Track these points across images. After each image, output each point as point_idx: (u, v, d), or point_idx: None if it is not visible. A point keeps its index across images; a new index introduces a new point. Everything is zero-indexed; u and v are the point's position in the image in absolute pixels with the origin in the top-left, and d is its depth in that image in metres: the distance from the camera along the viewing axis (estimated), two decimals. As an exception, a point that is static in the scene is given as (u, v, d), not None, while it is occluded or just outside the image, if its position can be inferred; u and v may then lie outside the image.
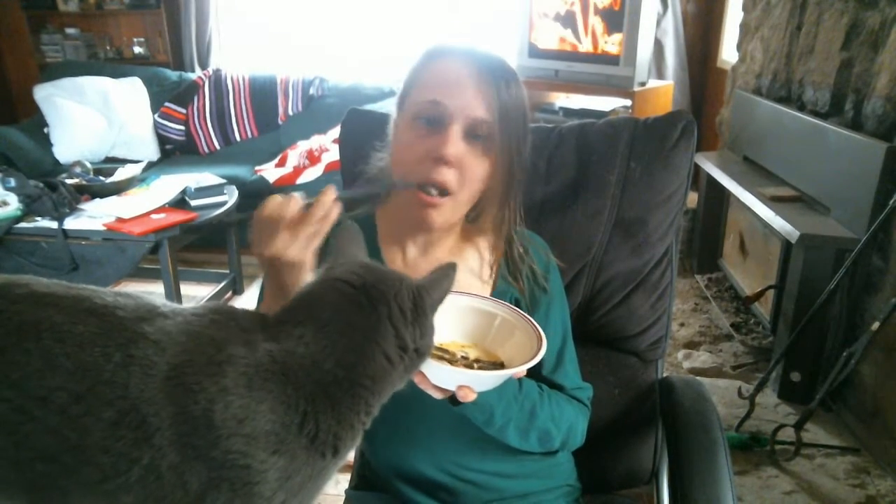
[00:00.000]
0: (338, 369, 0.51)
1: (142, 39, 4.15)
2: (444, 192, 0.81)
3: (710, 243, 2.99)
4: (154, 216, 2.45)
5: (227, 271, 2.99)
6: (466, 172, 0.82)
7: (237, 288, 2.99)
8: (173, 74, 3.88)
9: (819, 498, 1.68)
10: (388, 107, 0.92)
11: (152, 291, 2.60)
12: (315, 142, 3.38)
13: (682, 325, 2.61)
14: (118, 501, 0.46)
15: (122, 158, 3.54)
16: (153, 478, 0.46)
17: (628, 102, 3.05)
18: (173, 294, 2.51)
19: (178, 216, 2.46)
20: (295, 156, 3.34)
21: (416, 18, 3.89)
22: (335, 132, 2.88)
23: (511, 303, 0.89)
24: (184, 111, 3.73)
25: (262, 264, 0.71)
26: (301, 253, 0.68)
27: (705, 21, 3.59)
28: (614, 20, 2.94)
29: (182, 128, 3.73)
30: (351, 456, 1.09)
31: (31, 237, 2.42)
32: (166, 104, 3.74)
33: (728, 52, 3.31)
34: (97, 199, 2.57)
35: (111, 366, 0.46)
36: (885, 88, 1.82)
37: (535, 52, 3.30)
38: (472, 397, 0.71)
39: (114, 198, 2.60)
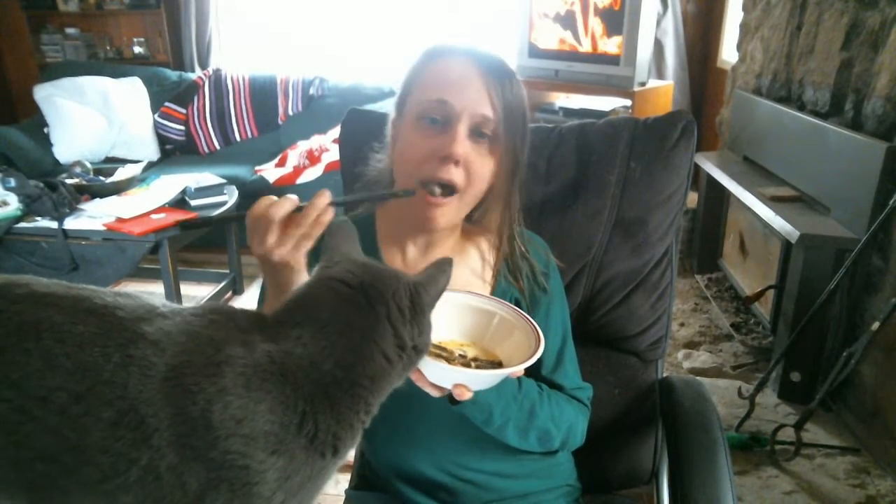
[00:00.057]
0: (336, 369, 0.51)
1: (142, 39, 4.15)
2: (448, 191, 0.81)
3: (710, 243, 2.99)
4: (154, 216, 2.45)
5: (227, 271, 2.99)
6: (472, 171, 0.82)
7: (237, 288, 2.99)
8: (173, 74, 3.88)
9: (819, 498, 1.68)
10: (388, 107, 0.92)
11: (152, 291, 2.59)
12: (315, 142, 3.38)
13: (682, 325, 2.61)
14: (117, 501, 0.46)
15: (122, 158, 3.54)
16: (152, 478, 0.46)
17: (628, 102, 3.05)
18: (173, 294, 2.51)
19: (178, 216, 2.46)
20: (295, 156, 3.34)
21: (416, 18, 3.89)
22: (335, 132, 2.88)
23: (511, 303, 0.89)
24: (184, 111, 3.73)
25: (259, 263, 0.71)
26: (290, 254, 0.68)
27: (705, 21, 3.59)
28: (614, 20, 2.94)
29: (182, 128, 3.73)
30: (351, 456, 1.09)
31: (31, 237, 2.42)
32: (166, 104, 3.74)
33: (728, 52, 3.31)
34: (97, 199, 2.57)
35: (110, 366, 0.46)
36: (885, 88, 1.82)
37: (535, 52, 3.30)
38: (468, 396, 0.71)
39: (114, 198, 2.60)
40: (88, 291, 0.51)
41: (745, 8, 2.93)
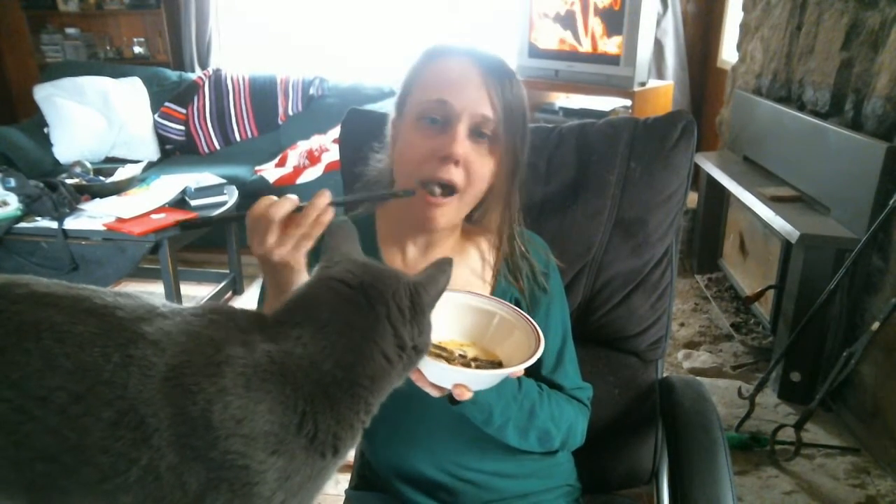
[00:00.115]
0: (336, 370, 0.51)
1: (142, 39, 4.15)
2: (448, 191, 0.81)
3: (710, 243, 2.98)
4: (154, 216, 2.45)
5: (227, 271, 2.99)
6: (472, 171, 0.82)
7: (237, 288, 2.99)
8: (173, 74, 3.88)
9: (819, 498, 1.68)
10: (388, 107, 0.92)
11: (152, 291, 2.60)
12: (315, 142, 3.38)
13: (682, 325, 2.61)
14: (117, 501, 0.46)
15: (122, 158, 3.54)
16: (152, 478, 0.46)
17: (628, 102, 3.05)
18: (173, 294, 2.51)
19: (178, 216, 2.46)
20: (295, 156, 3.34)
21: (416, 18, 3.89)
22: (335, 132, 2.88)
23: (511, 303, 0.89)
24: (184, 111, 3.73)
25: (259, 263, 0.71)
26: (290, 254, 0.68)
27: (705, 21, 3.59)
28: (614, 20, 2.94)
29: (182, 128, 3.73)
30: (351, 456, 1.09)
31: (31, 237, 2.42)
32: (166, 104, 3.74)
33: (728, 52, 3.31)
34: (97, 199, 2.57)
35: (110, 366, 0.46)
36: (885, 88, 1.82)
37: (535, 52, 3.30)
38: (467, 396, 0.71)
39: (114, 198, 2.60)
40: (88, 291, 0.51)
41: (745, 8, 2.93)
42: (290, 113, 3.71)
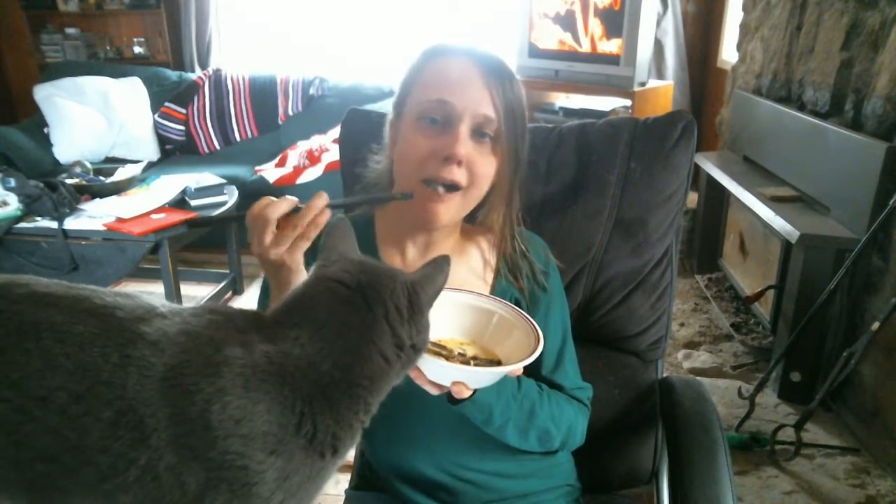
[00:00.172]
0: (335, 370, 0.51)
1: (142, 39, 4.15)
2: (452, 188, 0.81)
3: (710, 243, 2.99)
4: (154, 216, 2.45)
5: (227, 271, 2.99)
6: (475, 171, 0.82)
7: (237, 288, 2.99)
8: (173, 74, 3.88)
9: (819, 498, 1.68)
10: (389, 107, 0.92)
11: (152, 291, 2.60)
12: (315, 142, 3.38)
13: (682, 325, 2.61)
14: (117, 501, 0.46)
15: (122, 158, 3.54)
16: (150, 478, 0.46)
17: (628, 102, 3.05)
18: (173, 294, 2.51)
19: (178, 216, 2.46)
20: (295, 156, 3.34)
21: (416, 18, 3.90)
22: (335, 132, 2.89)
23: (511, 302, 0.89)
24: (184, 111, 3.73)
25: (259, 262, 0.71)
26: (286, 254, 0.68)
27: (705, 21, 3.59)
28: (614, 20, 2.94)
29: (182, 128, 3.73)
30: (351, 456, 1.09)
31: (31, 237, 2.42)
32: (166, 104, 3.74)
33: (728, 52, 3.31)
34: (97, 199, 2.57)
35: (109, 366, 0.46)
36: (885, 88, 1.82)
37: (535, 52, 3.30)
38: (466, 394, 0.71)
39: (114, 198, 2.60)
40: (88, 291, 0.51)
41: (745, 8, 2.93)
42: (290, 113, 3.71)
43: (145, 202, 2.54)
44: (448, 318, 0.78)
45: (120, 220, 2.40)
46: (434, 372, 0.69)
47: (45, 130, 3.56)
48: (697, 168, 2.81)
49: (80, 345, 0.47)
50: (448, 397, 0.74)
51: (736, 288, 2.73)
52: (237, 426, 0.46)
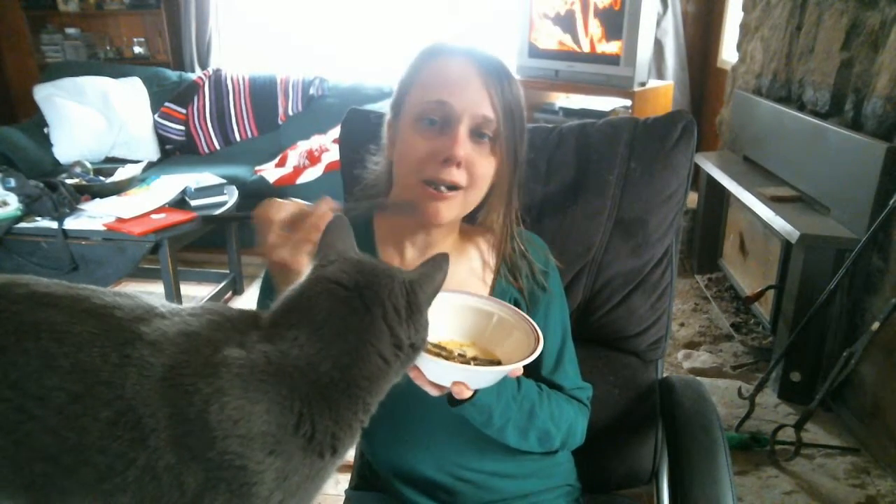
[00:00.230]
0: (333, 371, 0.51)
1: (142, 39, 4.15)
2: (452, 187, 0.81)
3: (710, 243, 2.98)
4: (154, 216, 2.45)
5: (227, 271, 2.99)
6: (474, 172, 0.82)
7: (237, 288, 2.99)
8: (173, 74, 3.88)
9: (819, 498, 1.68)
10: (388, 107, 0.92)
11: (152, 291, 2.60)
12: (315, 142, 3.38)
13: (682, 325, 2.61)
14: (116, 501, 0.46)
15: (122, 158, 3.54)
16: (149, 478, 0.46)
17: (628, 102, 3.05)
18: (173, 294, 2.51)
19: (178, 216, 2.46)
20: (295, 156, 3.34)
21: (416, 18, 3.89)
22: (335, 132, 2.88)
23: (510, 302, 0.89)
24: (184, 111, 3.73)
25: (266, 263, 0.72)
26: (289, 256, 0.69)
27: (705, 21, 3.59)
28: (614, 20, 2.94)
29: (182, 128, 3.73)
30: (351, 456, 1.09)
31: (31, 237, 2.42)
32: (166, 104, 3.74)
33: (728, 52, 3.31)
34: (97, 199, 2.57)
35: (108, 366, 0.46)
36: (885, 88, 1.82)
37: (535, 52, 3.30)
38: (467, 394, 0.71)
39: (114, 198, 2.60)
40: (88, 291, 0.52)
41: (745, 8, 2.93)
42: (290, 113, 3.71)
43: (145, 202, 2.54)
44: (448, 319, 0.78)
45: (120, 220, 2.40)
46: (434, 372, 0.69)
47: (45, 130, 3.56)
48: (697, 168, 2.81)
49: (79, 345, 0.47)
50: (448, 399, 0.74)
51: (736, 288, 2.73)
52: (235, 426, 0.46)
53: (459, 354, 0.75)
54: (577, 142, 1.13)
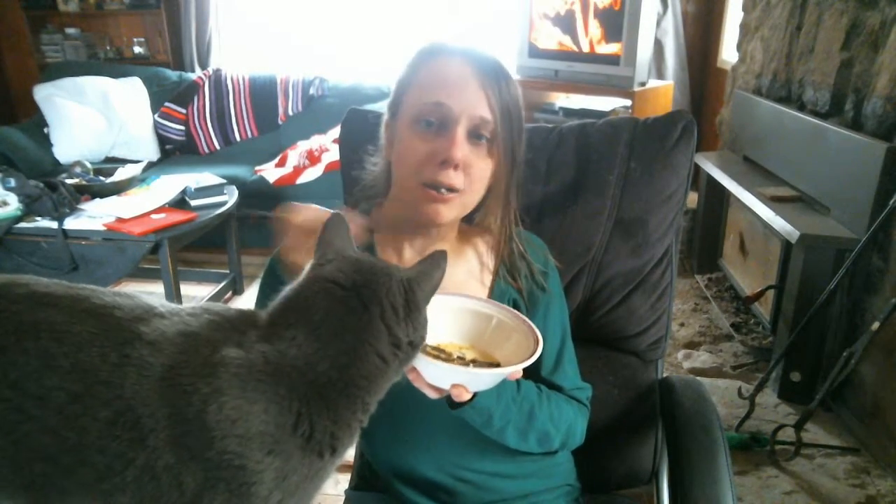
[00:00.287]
0: (332, 371, 0.51)
1: (142, 39, 4.15)
2: (451, 189, 0.81)
3: (710, 243, 2.98)
4: (154, 216, 2.45)
5: (227, 271, 2.99)
6: (472, 174, 0.82)
7: (237, 288, 2.99)
8: (173, 74, 3.88)
9: (819, 498, 1.68)
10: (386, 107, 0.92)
11: (152, 291, 2.60)
12: (315, 142, 3.38)
13: (682, 325, 2.61)
14: (115, 501, 0.46)
15: (122, 158, 3.54)
16: (148, 478, 0.46)
17: (628, 102, 3.05)
18: (173, 294, 2.51)
19: (178, 216, 2.46)
20: (295, 156, 3.34)
21: (416, 18, 3.89)
22: (335, 132, 2.88)
23: (510, 303, 0.89)
24: (184, 111, 3.73)
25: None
26: (303, 259, 0.69)
27: (705, 21, 3.59)
28: (614, 20, 2.94)
29: (182, 128, 3.73)
30: (350, 456, 1.09)
31: (31, 237, 2.42)
32: (166, 104, 3.74)
33: (728, 52, 3.31)
34: (97, 199, 2.57)
35: (108, 366, 0.46)
36: (885, 88, 1.82)
37: (534, 52, 3.30)
38: (466, 397, 0.70)
39: (114, 198, 2.60)
40: (87, 291, 0.52)
41: (745, 8, 2.93)
42: (290, 113, 3.71)
43: (145, 202, 2.54)
44: (447, 322, 0.78)
45: (120, 220, 2.40)
46: (433, 375, 0.69)
47: (45, 130, 3.56)
48: (697, 168, 2.81)
49: (79, 345, 0.47)
50: (448, 402, 0.73)
51: (736, 288, 2.73)
52: (234, 426, 0.46)
53: (458, 357, 0.75)
54: (576, 142, 1.13)
